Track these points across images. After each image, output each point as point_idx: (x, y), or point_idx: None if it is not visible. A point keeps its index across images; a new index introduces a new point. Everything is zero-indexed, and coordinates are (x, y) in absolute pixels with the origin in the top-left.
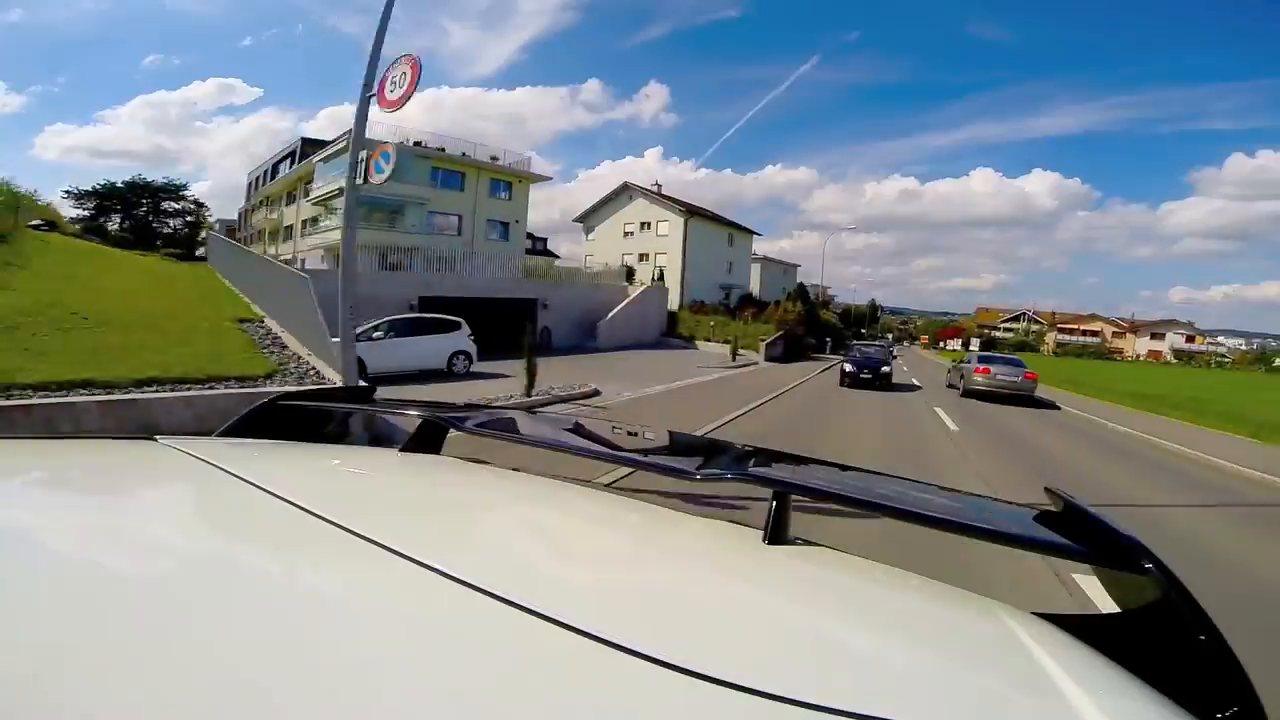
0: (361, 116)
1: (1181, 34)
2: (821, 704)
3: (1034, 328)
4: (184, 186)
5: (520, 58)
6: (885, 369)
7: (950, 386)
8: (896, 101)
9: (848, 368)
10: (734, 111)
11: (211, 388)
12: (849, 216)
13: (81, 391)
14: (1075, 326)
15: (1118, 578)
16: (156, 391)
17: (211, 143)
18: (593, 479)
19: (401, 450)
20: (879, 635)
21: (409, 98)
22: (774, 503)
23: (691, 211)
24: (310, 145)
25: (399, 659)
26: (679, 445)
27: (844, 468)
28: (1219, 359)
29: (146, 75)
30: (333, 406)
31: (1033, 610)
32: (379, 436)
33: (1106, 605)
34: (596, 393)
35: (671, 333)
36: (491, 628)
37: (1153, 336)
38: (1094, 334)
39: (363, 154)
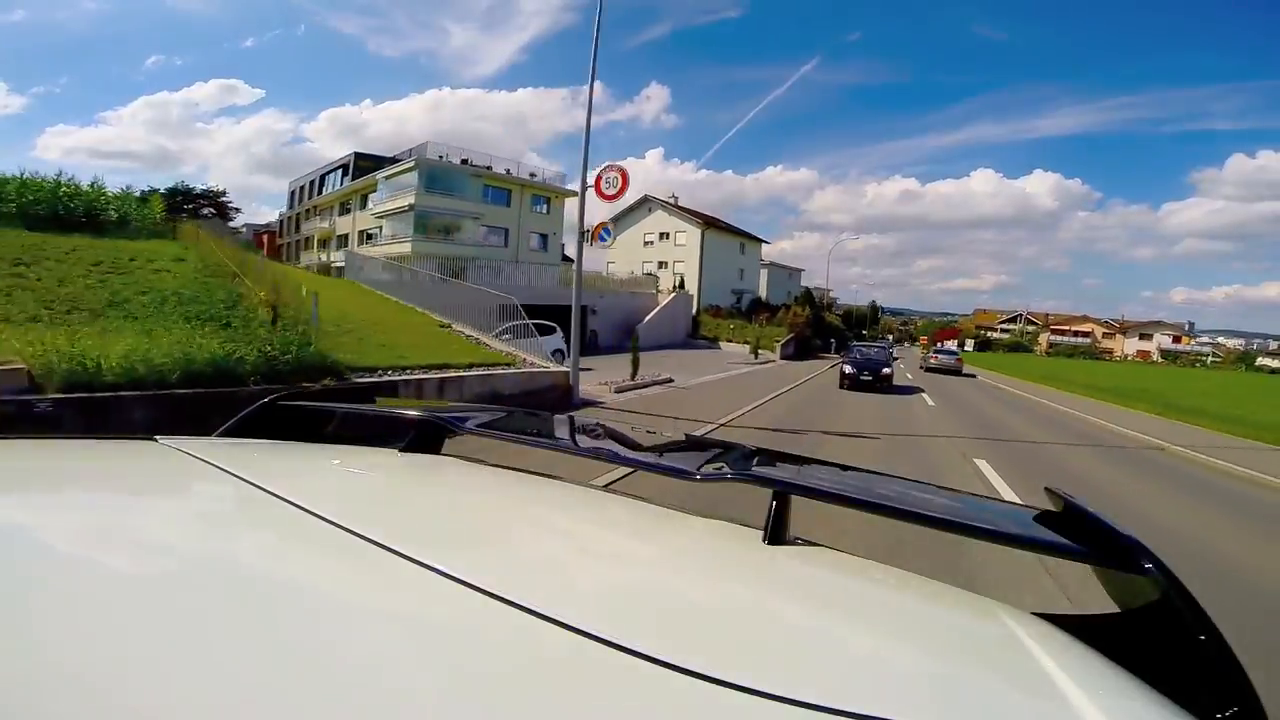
0: (582, 205)
1: (1182, 35)
2: (822, 704)
3: (1029, 329)
4: (222, 193)
5: (521, 58)
6: (886, 370)
7: (922, 366)
8: (897, 102)
9: (847, 369)
10: (735, 112)
11: (482, 370)
12: (850, 217)
13: (406, 373)
14: (1067, 328)
15: (1117, 577)
16: (454, 373)
17: (213, 143)
18: (593, 479)
19: (401, 450)
20: (879, 635)
21: (621, 196)
22: (774, 503)
23: (709, 223)
24: (363, 159)
25: (399, 659)
26: (679, 445)
27: (844, 468)
28: (1202, 359)
29: (148, 76)
30: (332, 406)
31: (1032, 610)
32: (379, 436)
33: (1105, 605)
34: (670, 380)
35: (695, 335)
36: (492, 628)
37: (1141, 337)
38: (1085, 335)
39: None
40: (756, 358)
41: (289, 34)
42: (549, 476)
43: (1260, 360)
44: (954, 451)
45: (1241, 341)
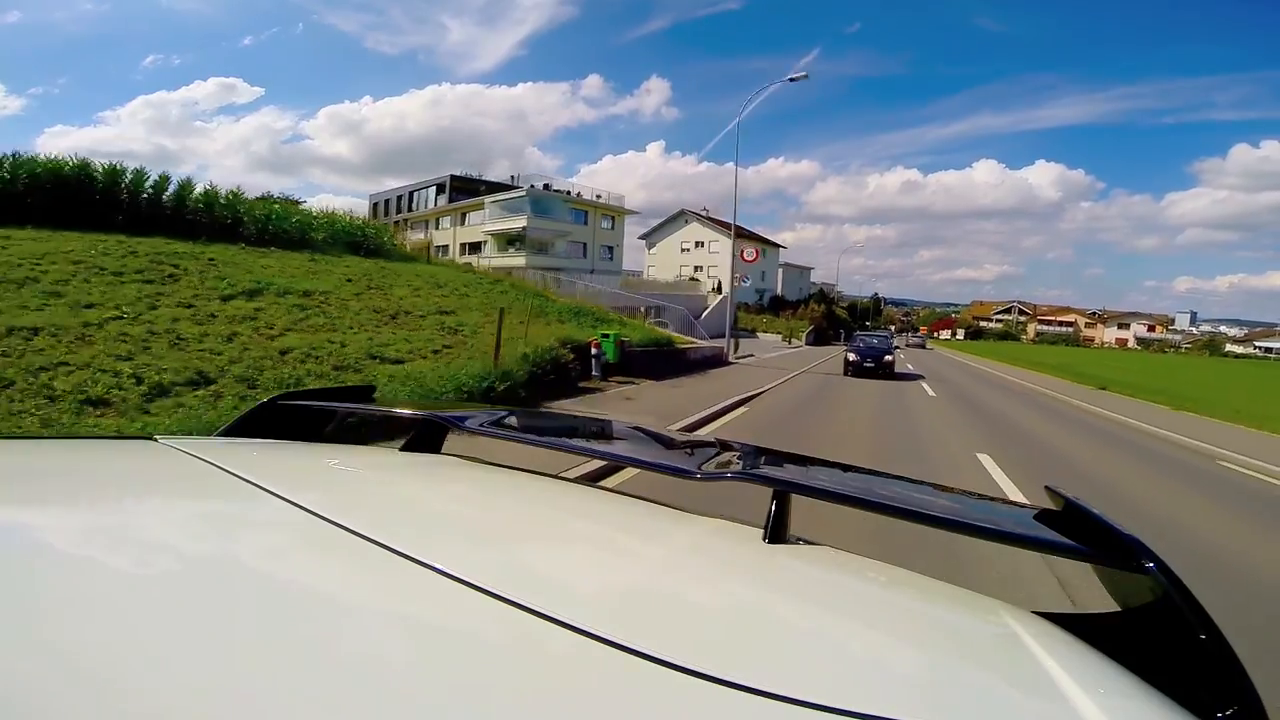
0: (733, 269)
1: (1185, 25)
2: (822, 703)
3: (1021, 319)
4: (301, 202)
5: (519, 53)
6: (888, 357)
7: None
8: (899, 93)
9: (851, 357)
10: (735, 105)
11: (687, 345)
12: (851, 209)
13: (666, 345)
14: (1053, 318)
15: (1118, 577)
16: (681, 346)
17: (213, 142)
18: (593, 479)
19: (402, 449)
20: (880, 634)
21: (757, 259)
22: (774, 502)
23: (740, 235)
24: (458, 180)
25: (399, 658)
26: (679, 445)
27: (845, 468)
28: (1175, 346)
29: (147, 75)
30: (333, 406)
31: (1033, 610)
32: (379, 436)
33: (1106, 605)
34: (751, 354)
35: (736, 327)
36: (492, 627)
37: (1119, 326)
38: (1069, 324)
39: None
40: (789, 344)
41: (287, 32)
42: (549, 476)
43: (1229, 347)
44: (920, 384)
45: (1243, 330)
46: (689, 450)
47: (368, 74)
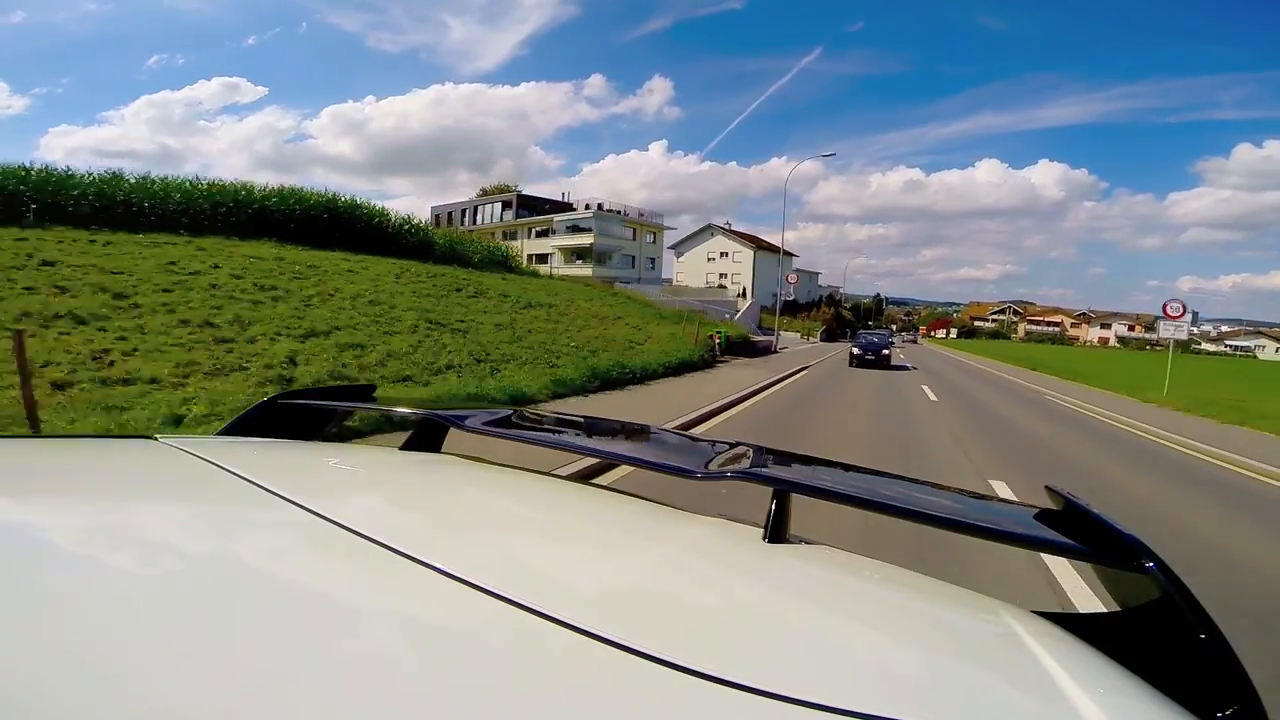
0: (780, 288)
1: (1188, 24)
2: (822, 703)
3: (1014, 319)
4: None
5: (521, 52)
6: (885, 351)
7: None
8: (901, 92)
9: (855, 350)
10: (738, 104)
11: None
12: (853, 208)
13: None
14: (1041, 318)
15: (1118, 576)
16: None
17: (216, 141)
18: (593, 478)
19: (402, 449)
20: (880, 634)
21: (797, 283)
22: (774, 502)
23: (759, 245)
24: (524, 199)
25: (399, 657)
26: (679, 445)
27: (846, 467)
28: (1151, 344)
29: (150, 75)
30: (333, 405)
31: (1033, 609)
32: (379, 435)
33: (1106, 604)
34: (786, 346)
35: (760, 327)
36: (492, 626)
37: (1102, 326)
38: (1056, 324)
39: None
40: (807, 340)
41: (291, 31)
42: (550, 475)
43: (1205, 346)
44: (907, 365)
45: (1241, 330)
46: (689, 449)
47: (370, 73)
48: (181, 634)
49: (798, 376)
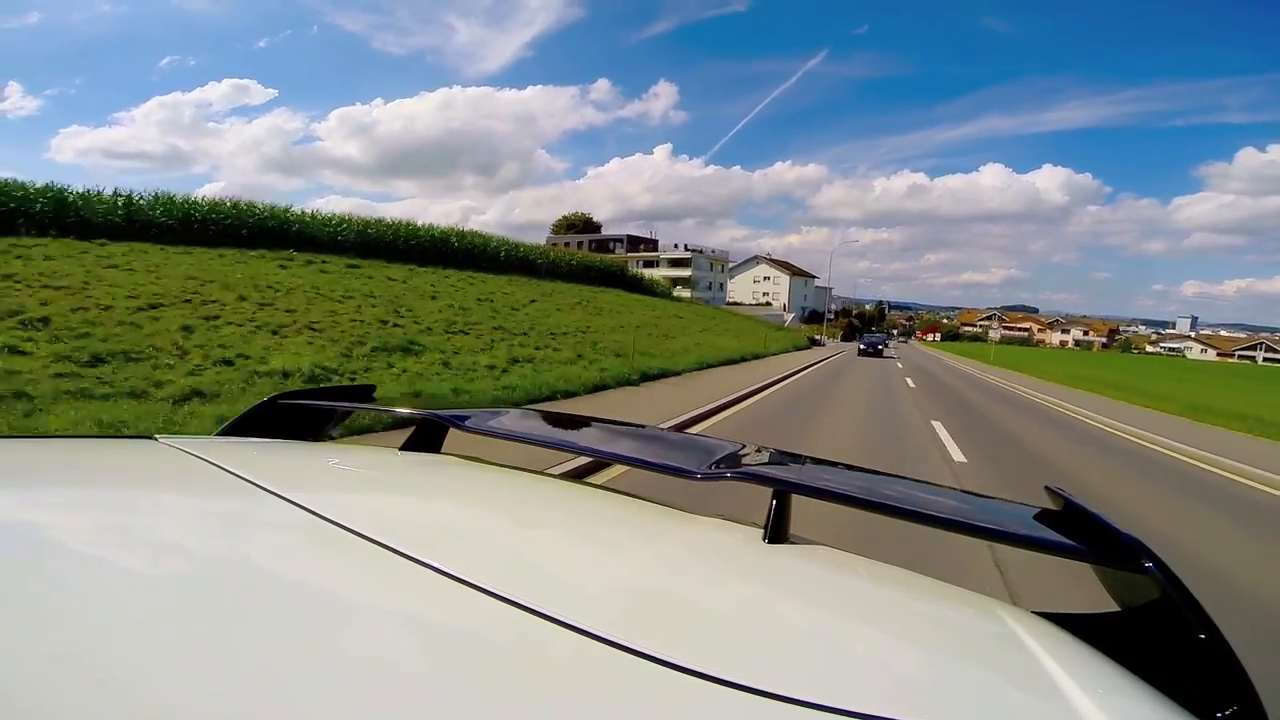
0: (828, 305)
1: (1193, 27)
2: (822, 703)
3: (992, 324)
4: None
5: (526, 54)
6: (880, 348)
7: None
8: (906, 96)
9: (861, 347)
10: (742, 107)
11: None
12: (857, 212)
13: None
14: (1014, 325)
15: (1118, 576)
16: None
17: (225, 143)
18: (593, 479)
19: (401, 449)
20: (880, 634)
21: (832, 306)
22: (774, 502)
23: (794, 272)
24: (632, 239)
25: (399, 658)
26: (679, 445)
27: (846, 467)
28: (1102, 345)
29: (162, 76)
30: (333, 405)
31: (1033, 609)
32: (379, 435)
33: (1106, 604)
34: (824, 343)
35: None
36: (492, 626)
37: (1063, 331)
38: (1025, 330)
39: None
40: (827, 342)
41: (302, 34)
42: (549, 475)
43: (1148, 347)
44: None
45: (1242, 334)
46: (689, 449)
47: (377, 76)
48: (182, 634)
49: (840, 353)
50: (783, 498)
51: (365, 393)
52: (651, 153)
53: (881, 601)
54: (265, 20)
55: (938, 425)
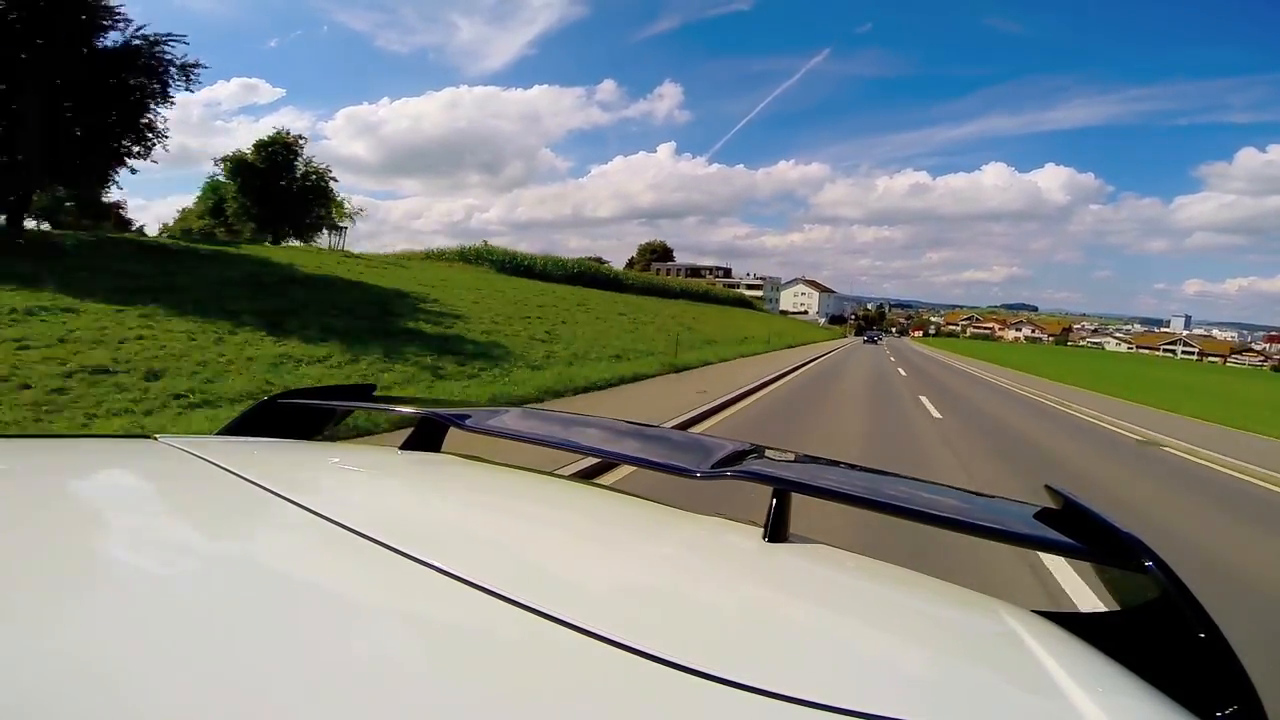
0: (852, 313)
1: (1195, 27)
2: (823, 702)
3: (966, 324)
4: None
5: (530, 52)
6: (877, 340)
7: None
8: (908, 95)
9: (863, 339)
10: (745, 105)
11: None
12: (860, 210)
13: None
14: (981, 323)
15: (1118, 576)
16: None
17: (233, 141)
18: (593, 478)
19: (402, 448)
20: (880, 633)
21: (854, 310)
22: (774, 501)
23: (822, 289)
24: (705, 266)
25: (399, 657)
26: (679, 444)
27: (847, 466)
28: (1047, 339)
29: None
30: (333, 404)
31: (1033, 609)
32: (379, 434)
33: (1106, 603)
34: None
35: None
36: (492, 626)
37: (1015, 329)
38: (989, 328)
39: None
40: (847, 338)
41: (312, 34)
42: (550, 474)
43: (1083, 341)
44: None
45: (1234, 333)
46: (689, 448)
47: (381, 75)
48: (182, 633)
49: (856, 340)
50: (783, 497)
51: (365, 392)
52: (655, 151)
53: (882, 601)
54: (272, 19)
55: (898, 365)
